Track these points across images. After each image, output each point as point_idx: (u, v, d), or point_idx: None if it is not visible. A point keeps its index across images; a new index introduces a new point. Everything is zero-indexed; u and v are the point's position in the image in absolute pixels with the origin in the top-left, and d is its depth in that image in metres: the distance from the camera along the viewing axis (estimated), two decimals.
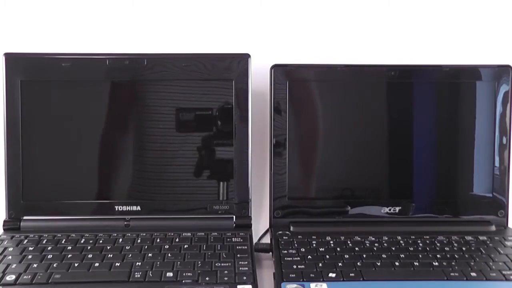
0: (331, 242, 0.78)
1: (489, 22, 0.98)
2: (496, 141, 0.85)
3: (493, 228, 0.84)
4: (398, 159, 0.86)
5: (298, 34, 0.97)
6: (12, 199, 0.83)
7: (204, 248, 0.76)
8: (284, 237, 0.80)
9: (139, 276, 0.69)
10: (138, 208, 0.84)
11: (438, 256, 0.74)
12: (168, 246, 0.77)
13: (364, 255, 0.74)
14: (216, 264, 0.71)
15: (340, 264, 0.72)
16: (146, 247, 0.76)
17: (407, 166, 0.86)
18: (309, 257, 0.74)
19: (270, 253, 0.79)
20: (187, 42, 0.96)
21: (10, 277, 0.68)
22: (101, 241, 0.78)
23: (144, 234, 0.80)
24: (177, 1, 0.96)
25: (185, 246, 0.77)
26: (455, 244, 0.78)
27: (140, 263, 0.72)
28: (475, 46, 0.97)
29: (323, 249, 0.76)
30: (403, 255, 0.74)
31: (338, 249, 0.76)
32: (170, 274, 0.69)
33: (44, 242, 0.78)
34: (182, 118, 0.85)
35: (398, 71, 0.85)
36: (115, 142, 0.84)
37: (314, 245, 0.77)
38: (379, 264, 0.72)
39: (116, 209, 0.84)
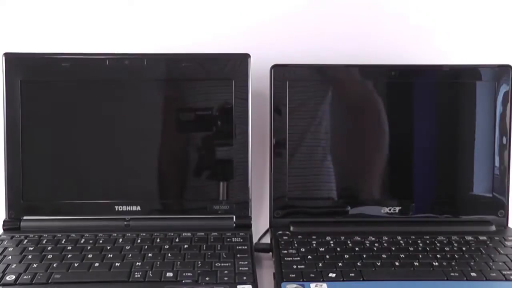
0: (331, 242, 0.78)
1: (489, 22, 0.98)
2: (496, 141, 0.85)
3: (493, 228, 0.84)
4: (398, 159, 0.86)
5: (298, 34, 0.97)
6: (12, 199, 0.83)
7: (204, 248, 0.76)
8: (284, 237, 0.80)
9: (139, 276, 0.69)
10: (138, 208, 0.84)
11: (438, 256, 0.74)
12: (168, 246, 0.77)
13: (364, 255, 0.74)
14: (216, 264, 0.71)
15: (340, 264, 0.72)
16: (146, 247, 0.76)
17: (407, 166, 0.86)
18: (309, 257, 0.74)
19: (270, 253, 0.79)
20: (187, 42, 0.96)
21: (10, 277, 0.68)
22: (101, 241, 0.78)
23: (144, 234, 0.80)
24: (177, 1, 0.96)
25: (185, 246, 0.77)
26: (455, 244, 0.78)
27: (140, 263, 0.72)
28: (475, 46, 0.97)
29: (323, 249, 0.76)
30: (403, 255, 0.74)
31: (338, 249, 0.76)
32: (170, 274, 0.69)
33: (44, 242, 0.78)
34: (182, 118, 0.85)
35: (398, 71, 0.85)
36: (114, 142, 0.84)
37: (314, 245, 0.77)
38: (379, 264, 0.72)
39: (116, 209, 0.84)
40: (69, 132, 0.84)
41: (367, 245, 0.77)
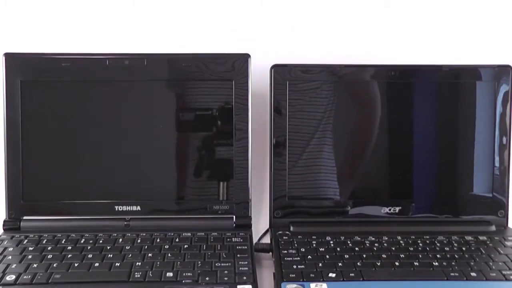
0: (331, 242, 0.78)
1: (489, 22, 0.98)
2: (496, 141, 0.85)
3: (493, 228, 0.84)
4: (398, 159, 0.86)
5: (298, 34, 0.97)
6: (12, 199, 0.83)
7: (204, 248, 0.76)
8: (284, 237, 0.80)
9: (139, 276, 0.69)
10: (138, 208, 0.84)
11: (438, 256, 0.74)
12: (168, 246, 0.77)
13: (364, 255, 0.74)
14: (216, 264, 0.71)
15: (340, 264, 0.72)
16: (146, 247, 0.76)
17: (407, 166, 0.86)
18: (309, 257, 0.74)
19: (270, 253, 0.79)
20: (187, 42, 0.96)
21: (10, 277, 0.68)
22: (101, 241, 0.78)
23: (144, 234, 0.80)
24: (177, 1, 0.96)
25: (185, 246, 0.77)
26: (455, 244, 0.78)
27: (140, 263, 0.72)
28: (475, 46, 0.97)
29: (323, 249, 0.76)
30: (403, 255, 0.74)
31: (338, 249, 0.76)
32: (170, 274, 0.69)
33: (44, 242, 0.78)
34: (182, 118, 0.85)
35: (398, 71, 0.85)
36: (114, 142, 0.84)
37: (314, 245, 0.77)
38: (379, 264, 0.72)
39: (116, 209, 0.84)
40: (69, 132, 0.84)
41: (367, 245, 0.77)
